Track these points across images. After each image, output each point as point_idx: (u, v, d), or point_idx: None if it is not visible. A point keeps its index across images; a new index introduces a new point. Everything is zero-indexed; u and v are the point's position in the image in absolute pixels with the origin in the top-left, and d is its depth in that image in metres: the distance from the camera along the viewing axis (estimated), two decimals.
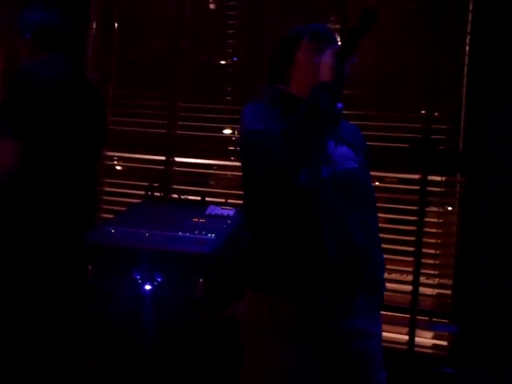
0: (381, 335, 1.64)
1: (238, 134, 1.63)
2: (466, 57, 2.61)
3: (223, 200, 2.49)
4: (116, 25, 3.16)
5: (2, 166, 1.89)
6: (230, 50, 3.00)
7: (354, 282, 1.49)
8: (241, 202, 2.69)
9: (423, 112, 2.65)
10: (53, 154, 1.99)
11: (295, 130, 1.41)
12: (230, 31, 2.98)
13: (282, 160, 1.39)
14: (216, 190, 2.92)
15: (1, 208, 1.96)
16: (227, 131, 3.00)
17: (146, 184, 2.68)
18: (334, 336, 1.47)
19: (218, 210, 2.29)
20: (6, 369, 1.93)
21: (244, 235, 1.70)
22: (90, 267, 2.03)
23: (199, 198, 2.46)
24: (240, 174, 2.77)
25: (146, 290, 1.96)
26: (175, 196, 2.66)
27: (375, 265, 1.60)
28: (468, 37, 2.61)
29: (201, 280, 1.91)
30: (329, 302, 1.47)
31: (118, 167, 3.17)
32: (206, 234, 2.04)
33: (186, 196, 2.57)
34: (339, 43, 1.66)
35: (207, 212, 2.28)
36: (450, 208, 2.65)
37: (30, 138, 1.90)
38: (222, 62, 3.05)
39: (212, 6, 3.14)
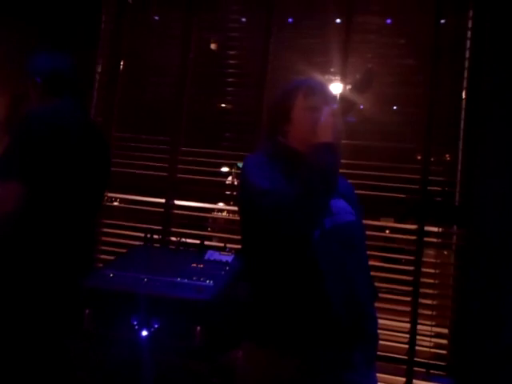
0: None
1: (240, 187, 1.62)
2: (463, 111, 2.68)
3: (222, 244, 2.51)
4: (121, 69, 3.24)
5: (5, 207, 1.91)
6: (229, 97, 3.09)
7: (354, 336, 1.50)
8: (240, 246, 2.71)
9: (420, 164, 2.70)
10: (56, 197, 2.01)
11: (308, 194, 1.42)
12: (231, 79, 3.06)
13: (300, 221, 1.41)
14: (215, 234, 2.94)
15: (1, 248, 1.96)
16: (227, 176, 3.05)
17: (145, 226, 2.70)
18: None
19: (217, 256, 2.30)
20: None
21: (243, 287, 1.70)
22: (87, 311, 2.02)
23: (198, 241, 2.48)
24: (239, 218, 2.83)
25: (143, 336, 1.95)
26: (174, 239, 2.67)
27: (371, 318, 1.62)
28: (464, 91, 2.69)
29: (198, 327, 1.91)
30: (329, 356, 1.47)
31: (118, 209, 3.18)
32: (205, 281, 2.04)
33: (184, 239, 2.59)
34: (336, 100, 1.65)
35: (206, 257, 2.28)
36: (446, 259, 2.67)
37: (34, 181, 1.92)
38: (224, 108, 3.11)
39: (215, 54, 3.23)
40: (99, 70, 3.24)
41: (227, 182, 3.09)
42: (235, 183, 3.07)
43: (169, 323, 1.95)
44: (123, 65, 3.24)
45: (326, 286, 1.47)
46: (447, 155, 2.73)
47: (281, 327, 1.49)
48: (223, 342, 2.03)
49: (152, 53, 3.23)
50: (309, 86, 1.62)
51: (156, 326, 1.95)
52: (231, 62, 3.07)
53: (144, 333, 1.95)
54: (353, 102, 1.52)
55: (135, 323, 1.96)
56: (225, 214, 3.12)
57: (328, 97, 1.62)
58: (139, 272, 2.10)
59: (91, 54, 3.20)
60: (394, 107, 2.86)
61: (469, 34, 2.70)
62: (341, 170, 1.79)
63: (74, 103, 2.16)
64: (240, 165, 3.02)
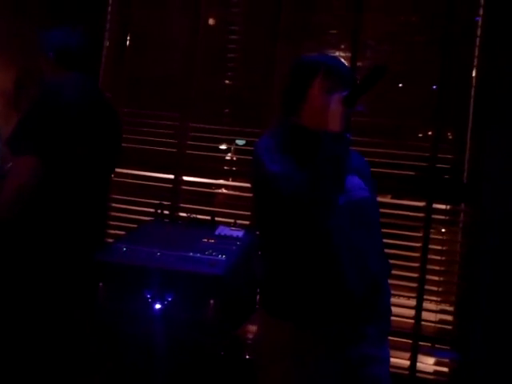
0: (389, 361, 1.67)
1: (252, 169, 1.63)
2: (473, 88, 2.68)
3: (230, 219, 2.53)
4: (129, 44, 3.21)
5: (19, 181, 1.92)
6: (238, 73, 3.06)
7: (368, 310, 1.53)
8: (248, 222, 2.73)
9: (429, 141, 2.71)
10: (69, 171, 2.02)
11: (317, 183, 1.43)
12: (240, 55, 3.04)
13: (310, 207, 1.43)
14: (223, 210, 2.95)
15: (15, 223, 1.98)
16: (228, 152, 3.07)
17: (154, 202, 2.72)
18: (348, 362, 1.51)
19: (228, 231, 2.32)
20: None
21: (258, 263, 1.73)
22: (100, 284, 2.05)
23: (207, 218, 2.49)
24: (247, 195, 2.85)
25: (156, 309, 1.98)
26: (184, 215, 2.69)
27: (385, 292, 1.65)
28: (474, 69, 2.68)
29: (211, 301, 1.93)
30: (344, 329, 1.50)
31: (126, 184, 3.19)
32: (217, 255, 2.06)
33: (195, 215, 2.60)
34: (353, 82, 1.62)
35: (217, 232, 2.30)
36: (453, 236, 2.69)
37: (48, 154, 1.93)
38: (233, 84, 3.10)
39: (224, 29, 3.20)
40: (107, 44, 3.22)
41: (227, 158, 3.10)
42: (234, 159, 3.07)
43: (182, 297, 1.98)
44: (131, 40, 3.21)
45: (339, 261, 1.50)
46: (456, 133, 2.73)
47: (296, 301, 1.52)
48: (235, 315, 2.07)
49: (160, 27, 3.20)
50: (328, 66, 1.60)
51: (169, 299, 1.98)
52: (240, 37, 3.06)
53: (157, 306, 1.98)
54: (361, 94, 1.50)
55: (148, 297, 1.99)
56: (232, 190, 3.12)
57: (345, 80, 1.58)
58: (152, 246, 2.11)
59: (99, 29, 3.18)
60: (403, 84, 2.85)
61: (481, 11, 2.68)
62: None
63: (85, 77, 2.16)
64: (239, 142, 3.03)
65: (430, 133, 2.73)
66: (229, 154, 3.09)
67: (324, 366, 1.50)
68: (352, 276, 1.50)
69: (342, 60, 1.80)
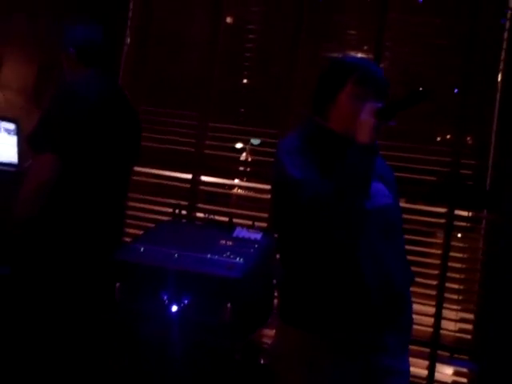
0: (409, 373, 1.63)
1: (273, 172, 1.59)
2: (498, 93, 2.63)
3: (247, 221, 2.51)
4: (149, 42, 3.20)
5: (39, 178, 1.93)
6: (258, 74, 3.04)
7: (389, 319, 1.50)
8: (266, 224, 2.71)
9: (451, 146, 2.66)
10: (88, 169, 2.02)
11: (342, 195, 1.39)
12: (259, 55, 3.03)
13: (333, 216, 1.39)
14: (241, 211, 2.92)
15: (34, 221, 1.98)
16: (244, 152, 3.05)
17: (172, 201, 2.70)
18: (366, 372, 1.47)
19: (245, 233, 2.29)
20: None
21: (276, 266, 1.70)
22: (118, 284, 2.04)
23: (224, 219, 2.47)
24: (264, 196, 2.83)
25: (172, 312, 1.96)
26: (201, 215, 2.67)
27: (407, 303, 1.61)
28: (500, 73, 2.63)
29: (228, 305, 1.91)
30: (364, 339, 1.47)
31: (143, 183, 3.18)
32: (235, 258, 2.03)
33: (212, 216, 2.58)
34: (386, 91, 1.56)
35: (234, 234, 2.28)
36: (475, 243, 2.64)
37: (68, 153, 1.93)
38: (253, 84, 3.07)
39: (245, 29, 3.17)
40: (128, 42, 3.21)
41: (245, 160, 3.07)
42: (249, 160, 3.05)
43: (198, 299, 1.96)
44: (152, 39, 3.19)
45: (361, 269, 1.46)
46: (479, 138, 2.68)
47: (316, 310, 1.48)
48: (251, 319, 2.04)
49: (181, 25, 3.18)
50: (362, 71, 1.54)
51: (185, 301, 1.96)
52: (259, 37, 3.04)
53: (173, 308, 1.96)
54: (396, 111, 1.44)
55: (165, 298, 1.97)
56: (250, 191, 3.09)
57: (378, 88, 1.53)
58: (169, 247, 2.10)
59: (120, 27, 3.17)
60: (425, 88, 2.79)
61: (508, 13, 2.62)
62: None
63: (105, 75, 2.16)
64: (254, 141, 3.01)
65: (450, 137, 2.68)
66: (244, 155, 3.07)
67: (342, 374, 1.47)
68: (374, 285, 1.46)
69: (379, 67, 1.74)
